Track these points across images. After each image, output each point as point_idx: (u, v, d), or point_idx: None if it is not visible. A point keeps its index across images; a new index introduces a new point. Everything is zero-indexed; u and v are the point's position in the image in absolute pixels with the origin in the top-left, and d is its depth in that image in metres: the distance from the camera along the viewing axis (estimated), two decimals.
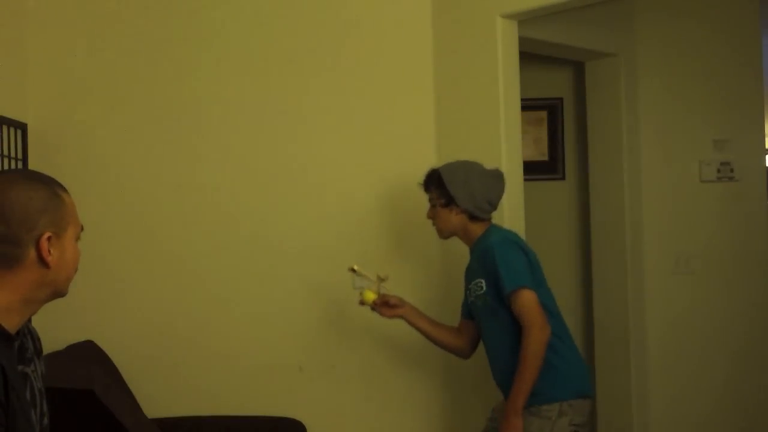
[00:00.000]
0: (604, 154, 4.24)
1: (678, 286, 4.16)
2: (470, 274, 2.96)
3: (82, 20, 3.76)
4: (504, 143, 3.37)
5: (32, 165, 3.61)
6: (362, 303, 3.05)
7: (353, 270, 3.04)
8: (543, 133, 4.59)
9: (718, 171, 4.16)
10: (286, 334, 3.65)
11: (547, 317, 2.74)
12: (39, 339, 1.78)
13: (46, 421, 1.70)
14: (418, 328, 3.11)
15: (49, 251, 1.57)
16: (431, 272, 3.56)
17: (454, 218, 2.92)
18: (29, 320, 1.71)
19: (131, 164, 3.72)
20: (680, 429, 4.11)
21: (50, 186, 1.62)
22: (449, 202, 2.90)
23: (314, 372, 3.63)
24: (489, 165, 3.01)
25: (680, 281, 4.16)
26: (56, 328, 3.62)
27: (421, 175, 2.98)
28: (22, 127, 3.62)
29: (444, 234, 2.99)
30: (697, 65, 4.19)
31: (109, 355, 3.55)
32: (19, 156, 3.58)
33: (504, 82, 3.39)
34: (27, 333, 1.71)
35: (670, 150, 4.20)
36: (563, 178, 4.63)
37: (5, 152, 3.48)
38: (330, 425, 3.59)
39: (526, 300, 2.73)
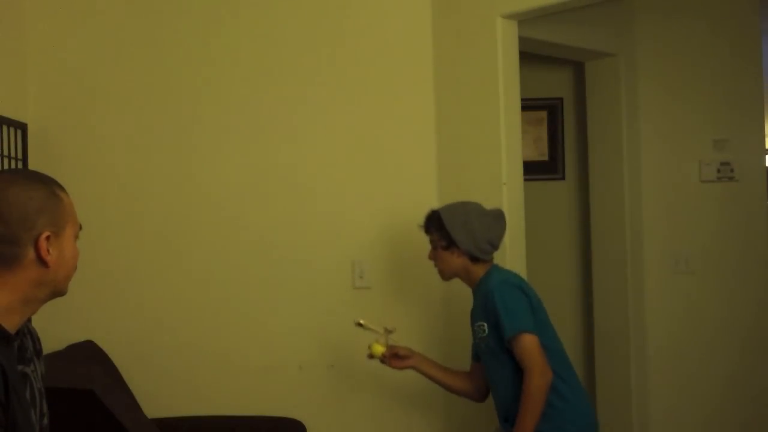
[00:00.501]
0: (604, 154, 4.24)
1: (678, 286, 4.16)
2: (474, 316, 2.96)
3: (82, 20, 3.76)
4: (504, 143, 3.37)
5: (32, 165, 3.61)
6: (371, 356, 3.05)
7: (360, 324, 3.03)
8: (543, 133, 4.59)
9: (718, 171, 4.16)
10: (286, 334, 3.65)
11: (549, 358, 2.74)
12: (39, 339, 1.78)
13: (45, 421, 1.70)
14: (429, 377, 3.12)
15: (48, 251, 1.57)
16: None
17: (455, 260, 2.91)
18: (29, 320, 1.71)
19: (131, 164, 3.72)
20: (680, 429, 4.11)
21: (49, 185, 1.62)
22: (450, 244, 2.89)
23: (314, 372, 3.63)
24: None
25: (680, 281, 4.16)
26: (56, 328, 3.62)
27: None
28: (22, 127, 3.62)
29: (446, 276, 2.99)
30: (697, 65, 4.19)
31: (109, 355, 3.55)
32: (19, 156, 3.58)
33: (504, 82, 3.39)
34: (27, 333, 1.71)
35: (670, 150, 4.20)
36: (563, 178, 4.63)
37: (5, 152, 3.48)
38: (330, 425, 3.59)
39: (527, 344, 2.72)
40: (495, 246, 2.93)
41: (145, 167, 3.71)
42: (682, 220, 4.18)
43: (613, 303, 4.16)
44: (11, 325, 1.58)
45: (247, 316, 3.67)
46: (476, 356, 3.05)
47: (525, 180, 3.54)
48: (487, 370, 2.95)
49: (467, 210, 2.93)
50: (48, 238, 1.58)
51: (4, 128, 3.49)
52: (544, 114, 4.61)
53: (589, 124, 4.33)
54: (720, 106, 4.20)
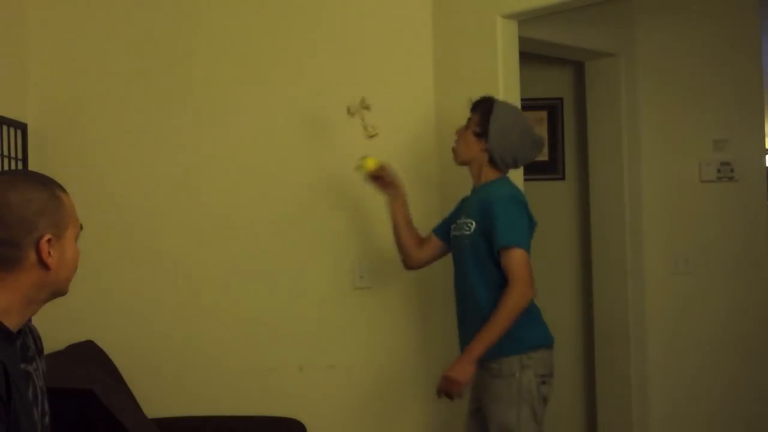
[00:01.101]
0: (604, 154, 4.24)
1: (678, 286, 4.16)
2: (465, 209, 2.94)
3: (83, 20, 3.75)
4: None
5: (32, 165, 3.61)
6: (359, 168, 3.02)
7: (349, 111, 3.07)
8: (543, 133, 4.58)
9: (718, 171, 4.16)
10: (286, 334, 3.65)
11: None
12: (40, 338, 1.78)
13: (47, 420, 1.71)
14: (394, 218, 3.11)
15: (49, 253, 1.57)
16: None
17: (475, 149, 2.90)
18: (29, 319, 1.71)
19: (131, 164, 3.71)
20: (681, 429, 4.11)
21: (49, 187, 1.62)
22: (482, 133, 2.88)
23: (314, 372, 3.63)
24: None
25: (680, 281, 4.16)
26: (56, 328, 3.61)
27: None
28: (22, 128, 3.61)
29: (460, 158, 2.97)
30: (697, 65, 4.19)
31: (109, 355, 3.54)
32: (19, 156, 3.58)
33: (504, 81, 3.39)
34: (28, 332, 1.71)
35: (670, 150, 4.20)
36: (563, 178, 4.63)
37: (5, 152, 3.48)
38: (330, 425, 3.59)
39: (519, 257, 2.71)
40: (516, 165, 2.94)
41: (145, 167, 3.71)
42: (682, 220, 4.18)
43: (613, 303, 4.16)
44: (12, 324, 1.59)
45: (247, 316, 3.67)
46: (442, 234, 3.05)
47: (525, 180, 3.53)
48: (458, 273, 2.93)
49: (516, 119, 2.92)
50: (49, 240, 1.57)
51: (4, 128, 3.49)
52: (544, 114, 4.61)
53: (589, 124, 4.33)
54: (720, 106, 4.20)
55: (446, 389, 2.74)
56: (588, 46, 4.05)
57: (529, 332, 2.78)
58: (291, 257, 3.64)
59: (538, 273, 2.79)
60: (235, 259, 3.66)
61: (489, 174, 2.91)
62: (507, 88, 3.40)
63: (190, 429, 3.49)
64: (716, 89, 4.19)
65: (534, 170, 4.28)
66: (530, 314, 2.78)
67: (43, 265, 1.58)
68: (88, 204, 3.68)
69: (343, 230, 3.62)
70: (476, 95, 3.07)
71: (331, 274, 3.62)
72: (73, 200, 1.66)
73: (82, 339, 3.57)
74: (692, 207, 4.19)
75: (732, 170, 4.15)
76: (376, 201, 3.59)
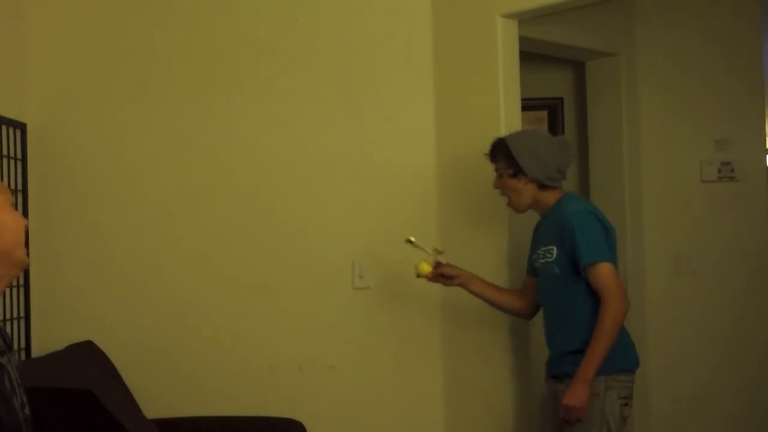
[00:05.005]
0: (605, 154, 4.24)
1: (678, 286, 4.15)
2: (541, 238, 2.94)
3: (82, 19, 3.75)
4: None
5: (31, 165, 3.61)
6: (418, 275, 3.04)
7: (410, 241, 3.02)
8: None
9: (719, 171, 4.15)
10: (286, 335, 3.64)
11: None
12: (6, 333, 1.79)
13: (27, 411, 1.70)
14: (477, 295, 3.10)
15: None
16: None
17: (523, 188, 2.89)
18: None
19: (131, 164, 3.71)
20: (681, 429, 4.10)
21: None
22: (517, 172, 2.88)
23: (314, 372, 3.62)
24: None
25: (681, 281, 4.15)
26: (56, 329, 3.63)
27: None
28: (22, 127, 3.61)
29: (521, 207, 2.96)
30: (697, 65, 4.18)
31: (109, 355, 3.54)
32: (19, 156, 3.58)
33: (504, 81, 3.38)
34: None
35: (670, 150, 4.20)
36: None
37: (4, 152, 3.47)
38: (330, 425, 3.58)
39: (606, 271, 2.73)
40: (563, 172, 2.92)
41: (145, 167, 3.71)
42: (682, 220, 4.18)
43: None
44: None
45: (247, 316, 3.66)
46: (532, 270, 3.03)
47: None
48: (543, 295, 2.95)
49: (534, 137, 2.93)
50: None
51: (3, 128, 3.49)
52: (544, 114, 4.60)
53: (589, 124, 4.33)
54: (721, 105, 4.19)
55: (568, 417, 2.75)
56: (588, 45, 4.04)
57: (619, 354, 2.80)
58: (291, 257, 3.64)
59: None
60: (235, 259, 3.66)
61: (548, 197, 2.92)
62: (507, 88, 3.39)
63: (190, 429, 3.48)
64: (717, 89, 4.18)
65: None
66: (620, 334, 2.80)
67: None
68: (88, 204, 3.70)
69: (343, 230, 3.62)
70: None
71: (331, 274, 3.61)
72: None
73: (82, 339, 3.57)
74: (693, 207, 4.18)
75: (733, 170, 4.14)
76: (376, 201, 3.59)
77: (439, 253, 3.03)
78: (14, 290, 3.53)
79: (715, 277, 4.16)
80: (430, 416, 3.58)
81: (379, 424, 3.60)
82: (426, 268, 3.02)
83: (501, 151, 2.91)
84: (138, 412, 3.24)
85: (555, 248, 2.82)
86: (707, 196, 4.17)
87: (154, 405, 3.49)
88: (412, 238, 3.02)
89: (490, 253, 3.37)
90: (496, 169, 2.95)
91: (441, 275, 3.04)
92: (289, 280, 3.64)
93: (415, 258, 3.04)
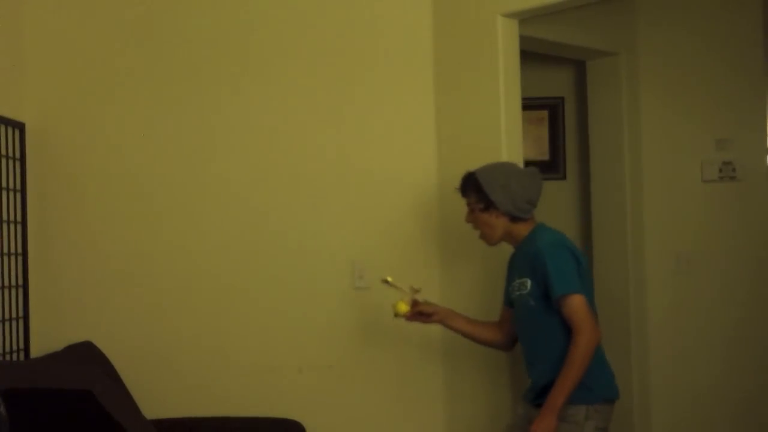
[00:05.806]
0: (606, 154, 4.23)
1: (679, 285, 4.14)
2: (514, 271, 2.96)
3: (80, 19, 3.75)
4: (505, 142, 3.36)
5: (30, 164, 3.60)
6: (396, 315, 3.05)
7: (386, 281, 3.03)
8: (544, 133, 4.58)
9: (720, 171, 4.14)
10: (285, 335, 3.64)
11: None
12: None
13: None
14: (456, 330, 3.12)
15: None
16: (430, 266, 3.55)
17: (495, 221, 2.91)
18: None
19: (129, 164, 3.71)
20: (682, 429, 4.10)
21: None
22: (488, 206, 2.89)
23: (314, 372, 3.62)
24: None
25: (681, 281, 4.14)
26: (55, 329, 3.63)
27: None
28: (20, 127, 3.61)
29: (494, 240, 2.98)
30: (698, 64, 4.18)
31: (108, 356, 3.54)
32: (17, 155, 3.57)
33: (505, 81, 3.38)
34: None
35: (671, 149, 4.19)
36: (564, 177, 4.62)
37: (3, 152, 3.47)
38: (329, 426, 3.58)
39: (577, 303, 2.75)
40: (533, 204, 2.93)
41: (144, 167, 3.70)
42: (683, 220, 4.17)
43: (614, 302, 4.15)
44: None
45: (246, 316, 3.66)
46: (509, 302, 3.04)
47: None
48: (520, 326, 2.96)
49: (504, 171, 2.94)
50: None
51: (2, 128, 3.49)
52: (545, 113, 4.60)
53: (590, 123, 4.32)
54: (722, 105, 4.18)
55: None
56: (589, 45, 4.04)
57: (599, 382, 2.82)
58: (290, 258, 3.63)
59: None
60: (235, 260, 3.66)
61: (521, 229, 2.93)
62: (508, 87, 3.39)
63: (189, 430, 3.49)
64: (718, 88, 4.17)
65: None
66: (598, 360, 2.82)
67: None
68: (87, 204, 3.70)
69: (343, 231, 3.61)
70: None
71: (331, 274, 3.61)
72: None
73: (81, 340, 3.57)
74: (694, 207, 4.17)
75: (734, 170, 4.13)
76: (377, 201, 3.59)
77: (416, 291, 3.03)
78: (13, 291, 3.53)
79: (716, 276, 4.15)
80: (430, 416, 3.57)
81: (379, 424, 3.60)
82: (403, 307, 3.02)
83: (471, 185, 2.93)
84: (137, 413, 3.24)
85: (529, 280, 2.85)
86: (708, 196, 4.17)
87: (153, 405, 3.48)
88: (389, 278, 3.03)
89: (494, 250, 3.35)
90: (468, 204, 2.97)
91: (419, 313, 3.05)
92: (289, 281, 3.63)
93: (393, 297, 3.03)
